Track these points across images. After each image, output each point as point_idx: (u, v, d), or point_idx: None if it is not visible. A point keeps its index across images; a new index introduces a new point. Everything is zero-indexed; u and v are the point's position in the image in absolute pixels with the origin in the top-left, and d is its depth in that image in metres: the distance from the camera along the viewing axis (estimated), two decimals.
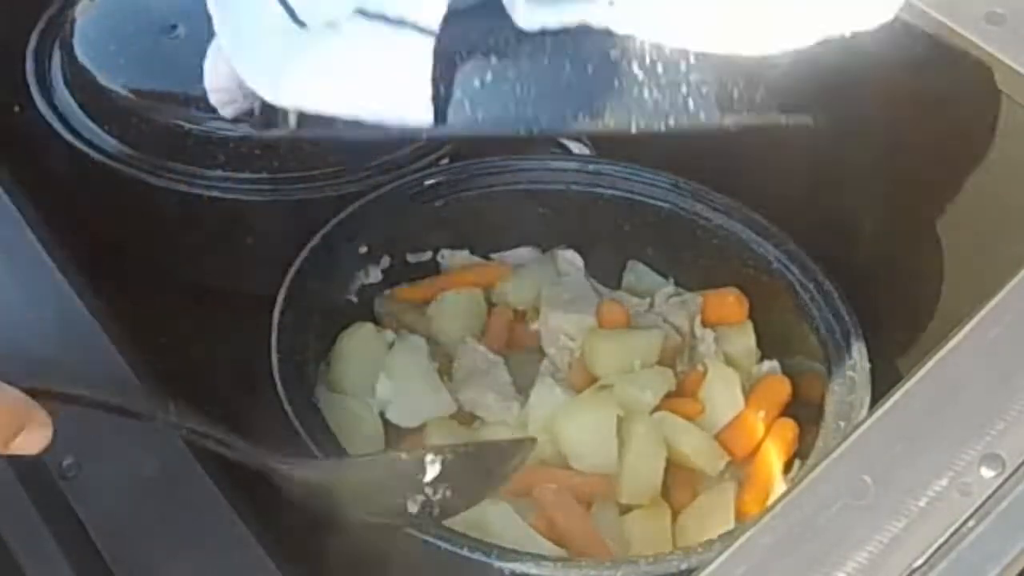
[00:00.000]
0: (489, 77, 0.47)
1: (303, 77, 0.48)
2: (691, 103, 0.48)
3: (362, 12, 0.48)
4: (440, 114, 0.47)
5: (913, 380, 0.49)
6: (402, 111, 0.47)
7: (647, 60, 0.47)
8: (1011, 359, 0.49)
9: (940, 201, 0.66)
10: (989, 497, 0.45)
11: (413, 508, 0.51)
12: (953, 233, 0.66)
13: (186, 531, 0.50)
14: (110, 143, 0.70)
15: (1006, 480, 0.46)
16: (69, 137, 0.71)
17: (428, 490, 0.51)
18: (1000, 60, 0.60)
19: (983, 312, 0.51)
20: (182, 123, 0.69)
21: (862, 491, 0.46)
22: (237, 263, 0.72)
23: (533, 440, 0.59)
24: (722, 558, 0.45)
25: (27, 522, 0.50)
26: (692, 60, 0.47)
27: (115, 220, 0.73)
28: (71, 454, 0.52)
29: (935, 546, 0.45)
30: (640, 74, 0.47)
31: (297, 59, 0.49)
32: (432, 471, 0.51)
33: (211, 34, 0.53)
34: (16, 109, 0.75)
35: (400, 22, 0.46)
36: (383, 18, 0.47)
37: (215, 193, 0.69)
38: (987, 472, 0.46)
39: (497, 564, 0.53)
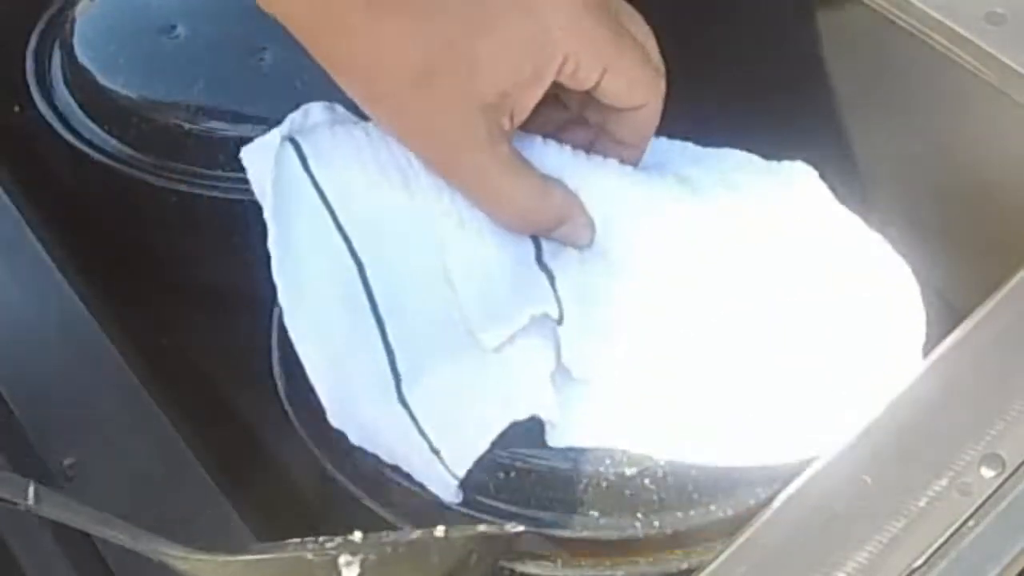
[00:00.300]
0: (513, 474, 0.52)
1: (351, 418, 0.52)
2: (694, 496, 0.52)
3: (407, 409, 0.51)
4: (468, 501, 0.52)
5: (913, 380, 0.49)
6: (434, 489, 0.51)
7: (658, 473, 0.51)
8: (1011, 359, 0.49)
9: (940, 201, 0.66)
10: (989, 497, 0.45)
11: None
12: (953, 233, 0.66)
13: (186, 531, 0.50)
14: (110, 143, 0.70)
15: (1006, 480, 0.46)
16: (69, 137, 0.71)
17: None
18: (1000, 60, 0.60)
19: (983, 312, 0.51)
20: (182, 123, 0.69)
21: (862, 491, 0.46)
22: (237, 263, 0.72)
23: (501, 537, 0.48)
24: (722, 558, 0.45)
25: (27, 522, 0.50)
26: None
27: (115, 220, 0.73)
28: (71, 454, 0.52)
29: (935, 546, 0.45)
30: (652, 486, 0.52)
31: (349, 401, 0.52)
32: (349, 574, 0.42)
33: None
34: (16, 109, 0.75)
35: (430, 458, 0.50)
36: (423, 436, 0.50)
37: (215, 193, 0.68)
38: (987, 472, 0.46)
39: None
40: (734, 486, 0.53)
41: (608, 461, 0.52)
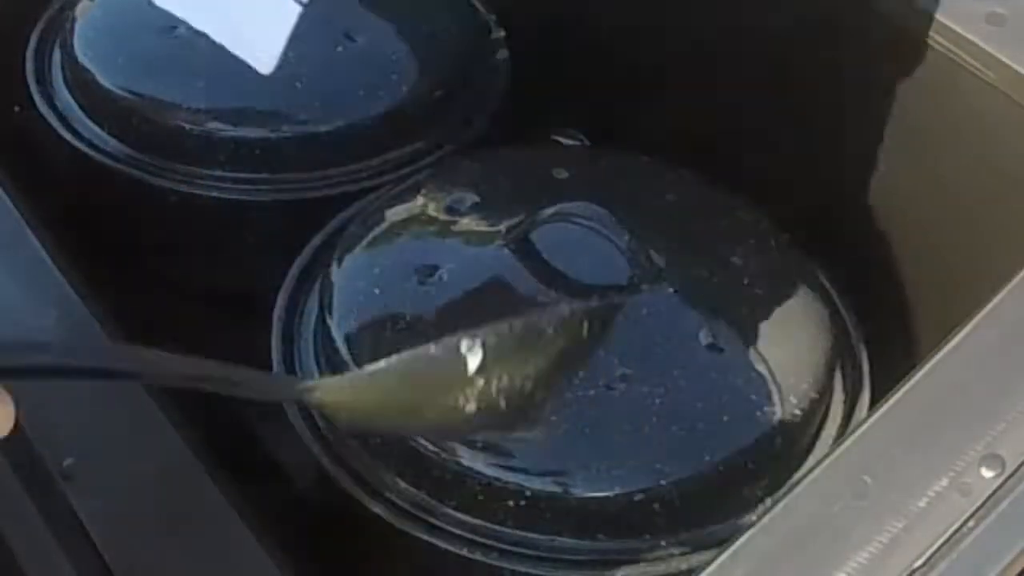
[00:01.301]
0: (523, 501, 0.53)
1: None
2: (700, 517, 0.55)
3: None
4: (477, 528, 0.54)
5: (913, 380, 0.49)
6: None
7: (666, 497, 0.53)
8: (1011, 360, 0.49)
9: (940, 201, 0.66)
10: (989, 497, 0.45)
11: (471, 407, 0.43)
12: (953, 233, 0.66)
13: (186, 531, 0.50)
14: (110, 143, 0.70)
15: (1006, 480, 0.46)
16: (69, 137, 0.71)
17: (479, 382, 0.43)
18: (1000, 60, 0.60)
19: (983, 312, 0.51)
20: (182, 123, 0.69)
21: (862, 491, 0.46)
22: (237, 263, 0.72)
23: (608, 307, 0.50)
24: (722, 558, 0.45)
25: (27, 522, 0.50)
26: None
27: (115, 220, 0.73)
28: (71, 454, 0.52)
29: (935, 546, 0.45)
30: (661, 510, 0.53)
31: None
32: (473, 360, 0.43)
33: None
34: (16, 109, 0.75)
35: None
36: None
37: (215, 193, 0.69)
38: (987, 472, 0.46)
39: (498, 564, 0.53)
40: (738, 507, 0.54)
41: (618, 488, 0.53)
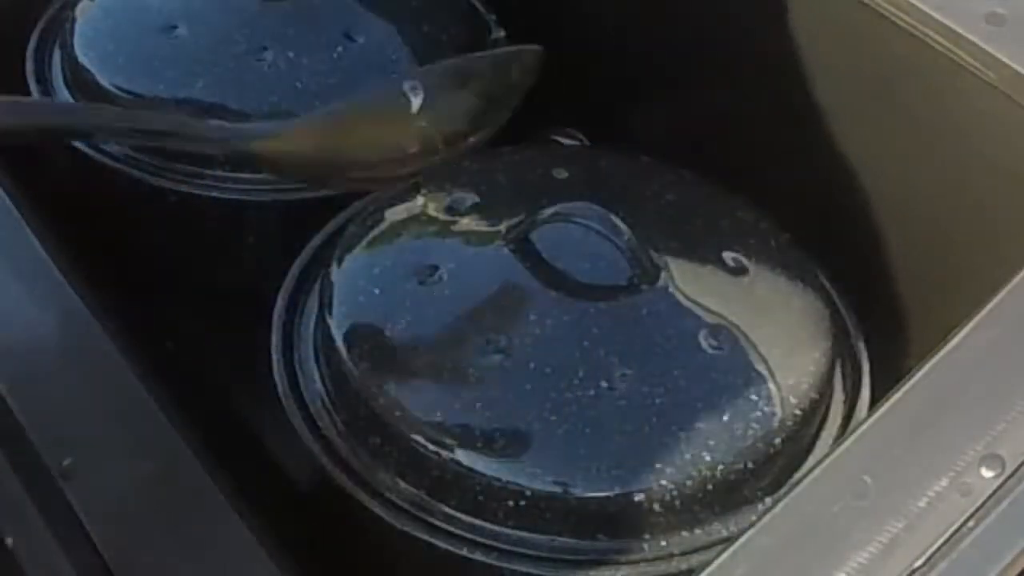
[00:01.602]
0: (523, 502, 0.53)
1: None
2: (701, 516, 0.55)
3: None
4: (476, 528, 0.54)
5: (913, 380, 0.49)
6: None
7: (666, 497, 0.53)
8: (1011, 360, 0.49)
9: (940, 201, 0.66)
10: (989, 497, 0.45)
11: (414, 147, 0.45)
12: (953, 233, 0.66)
13: (186, 531, 0.50)
14: (110, 143, 0.70)
15: (1006, 480, 0.46)
16: None
17: (422, 123, 0.44)
18: (1000, 60, 0.60)
19: (983, 312, 0.51)
20: None
21: (862, 491, 0.46)
22: (237, 263, 0.72)
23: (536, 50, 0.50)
24: (722, 558, 0.45)
25: (27, 522, 0.50)
26: None
27: (115, 220, 0.73)
28: (71, 454, 0.52)
29: (935, 546, 0.45)
30: (661, 510, 0.54)
31: None
32: (416, 100, 0.44)
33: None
34: None
35: None
36: None
37: (215, 193, 0.68)
38: (987, 472, 0.46)
39: (498, 564, 0.53)
40: (738, 507, 0.54)
41: (618, 488, 0.53)
